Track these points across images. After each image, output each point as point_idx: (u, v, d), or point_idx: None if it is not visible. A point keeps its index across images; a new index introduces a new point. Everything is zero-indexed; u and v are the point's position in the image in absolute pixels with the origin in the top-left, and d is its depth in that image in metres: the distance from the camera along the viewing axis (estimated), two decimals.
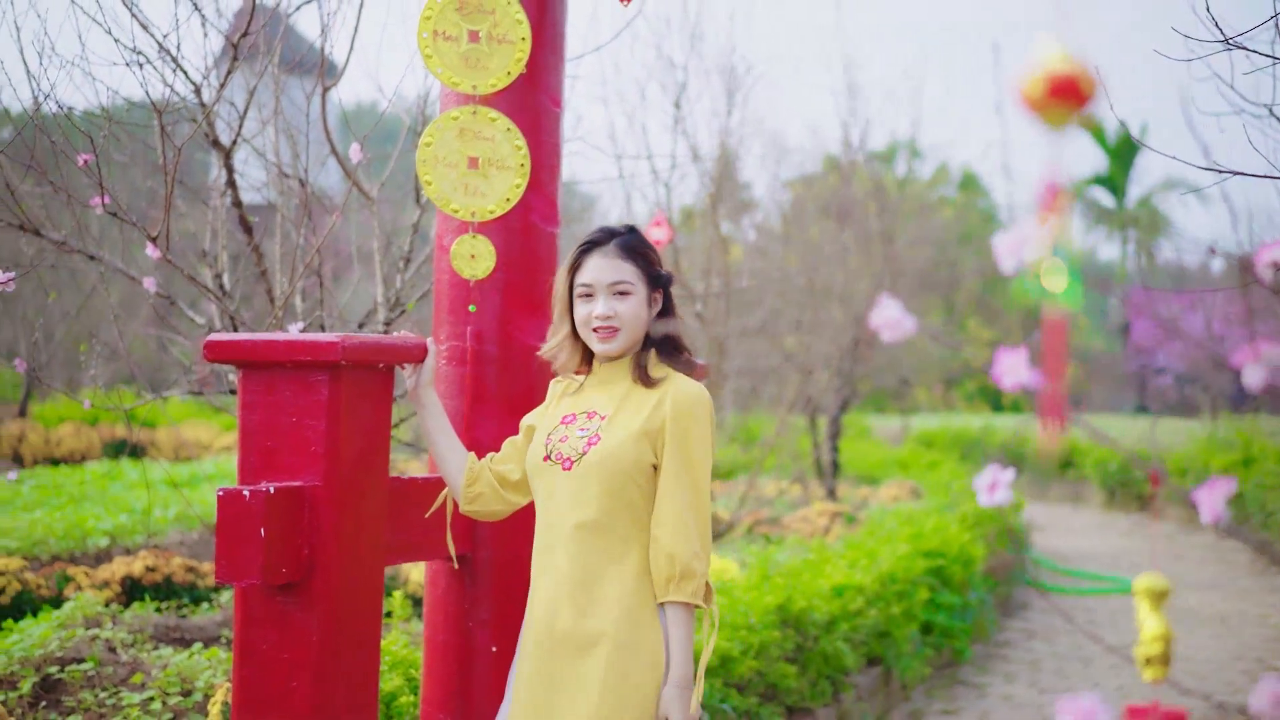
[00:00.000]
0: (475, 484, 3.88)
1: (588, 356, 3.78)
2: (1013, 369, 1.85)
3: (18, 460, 16.55)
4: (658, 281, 3.70)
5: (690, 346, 3.86)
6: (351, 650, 3.86)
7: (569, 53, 4.91)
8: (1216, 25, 4.30)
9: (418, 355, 3.96)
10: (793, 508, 13.26)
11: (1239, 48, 4.30)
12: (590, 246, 3.69)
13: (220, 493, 3.65)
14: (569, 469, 3.58)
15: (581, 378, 3.79)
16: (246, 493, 3.62)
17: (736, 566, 8.17)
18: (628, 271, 3.64)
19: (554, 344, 3.75)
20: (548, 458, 3.64)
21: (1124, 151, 40.68)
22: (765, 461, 14.19)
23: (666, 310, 3.73)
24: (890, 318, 1.93)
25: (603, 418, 3.62)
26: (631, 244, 3.68)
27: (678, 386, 3.59)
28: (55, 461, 16.65)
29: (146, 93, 5.63)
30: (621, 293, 3.63)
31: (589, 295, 3.64)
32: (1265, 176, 4.31)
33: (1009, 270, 1.51)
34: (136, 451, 16.43)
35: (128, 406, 6.49)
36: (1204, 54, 4.39)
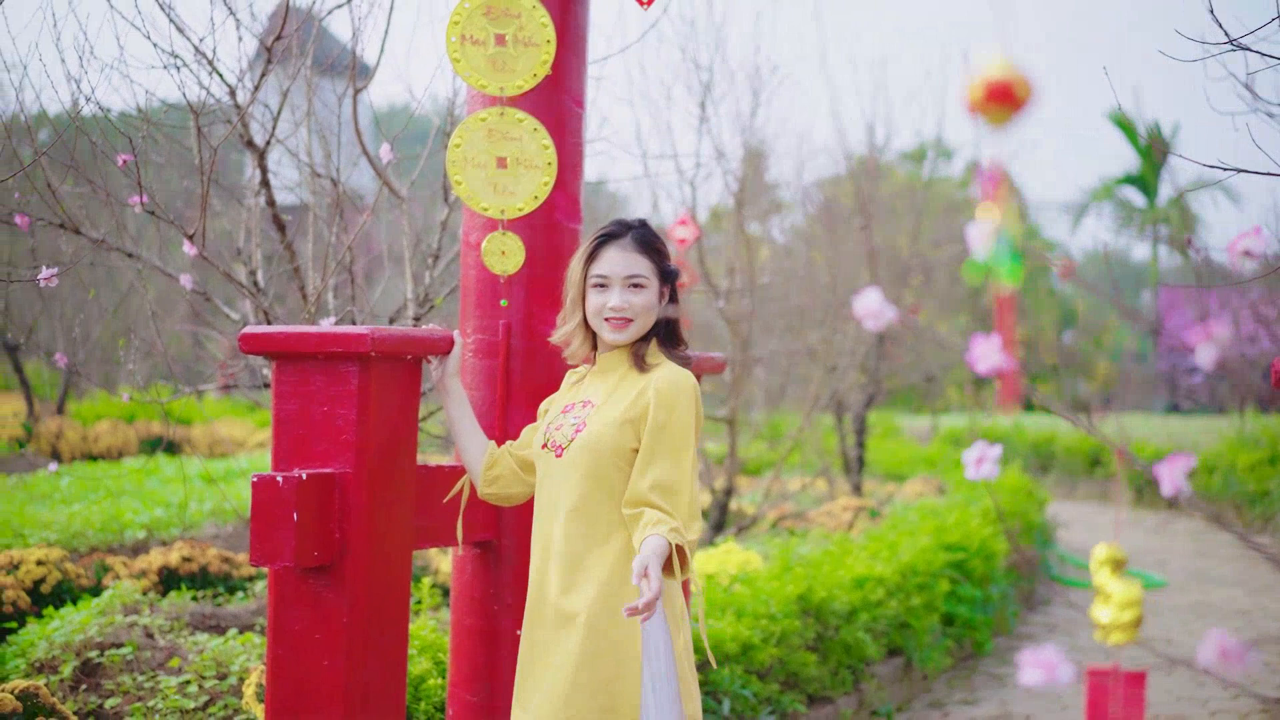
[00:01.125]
0: (494, 467, 4.03)
1: (594, 345, 3.92)
2: (986, 354, 2.00)
3: (56, 456, 16.80)
4: (667, 276, 3.83)
5: (689, 339, 4.00)
6: (381, 630, 4.02)
7: (593, 54, 5.07)
8: (1220, 26, 4.42)
9: (444, 347, 4.12)
10: (818, 503, 13.39)
11: (1244, 49, 4.41)
12: (607, 239, 3.80)
13: (255, 478, 3.81)
14: (560, 456, 3.73)
15: (588, 367, 3.94)
16: (280, 479, 3.78)
17: (760, 558, 8.30)
18: (643, 265, 3.76)
19: (565, 331, 3.89)
20: (545, 445, 3.80)
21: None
22: (790, 457, 14.31)
23: (671, 304, 3.85)
24: (871, 307, 2.06)
25: (593, 405, 3.76)
26: (646, 238, 3.81)
27: (661, 374, 3.70)
28: (93, 458, 16.90)
29: (184, 95, 5.80)
30: (636, 285, 3.75)
31: (604, 286, 3.76)
32: (1268, 174, 4.43)
33: (980, 257, 1.65)
34: (172, 448, 16.67)
35: (165, 400, 6.68)
36: (1210, 55, 4.50)
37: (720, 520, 10.43)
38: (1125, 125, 40.56)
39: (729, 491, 10.45)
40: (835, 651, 7.32)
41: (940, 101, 15.16)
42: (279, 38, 5.88)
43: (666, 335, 3.86)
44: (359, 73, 6.16)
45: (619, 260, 3.77)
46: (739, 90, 10.60)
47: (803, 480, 13.76)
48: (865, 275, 13.35)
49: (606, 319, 3.77)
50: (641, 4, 4.76)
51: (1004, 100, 1.38)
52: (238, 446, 18.07)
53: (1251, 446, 17.39)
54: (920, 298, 16.19)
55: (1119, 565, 2.11)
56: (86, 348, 17.41)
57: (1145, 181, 42.29)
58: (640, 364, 3.77)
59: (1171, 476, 2.05)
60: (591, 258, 3.81)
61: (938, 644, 8.66)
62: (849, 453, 14.55)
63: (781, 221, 15.64)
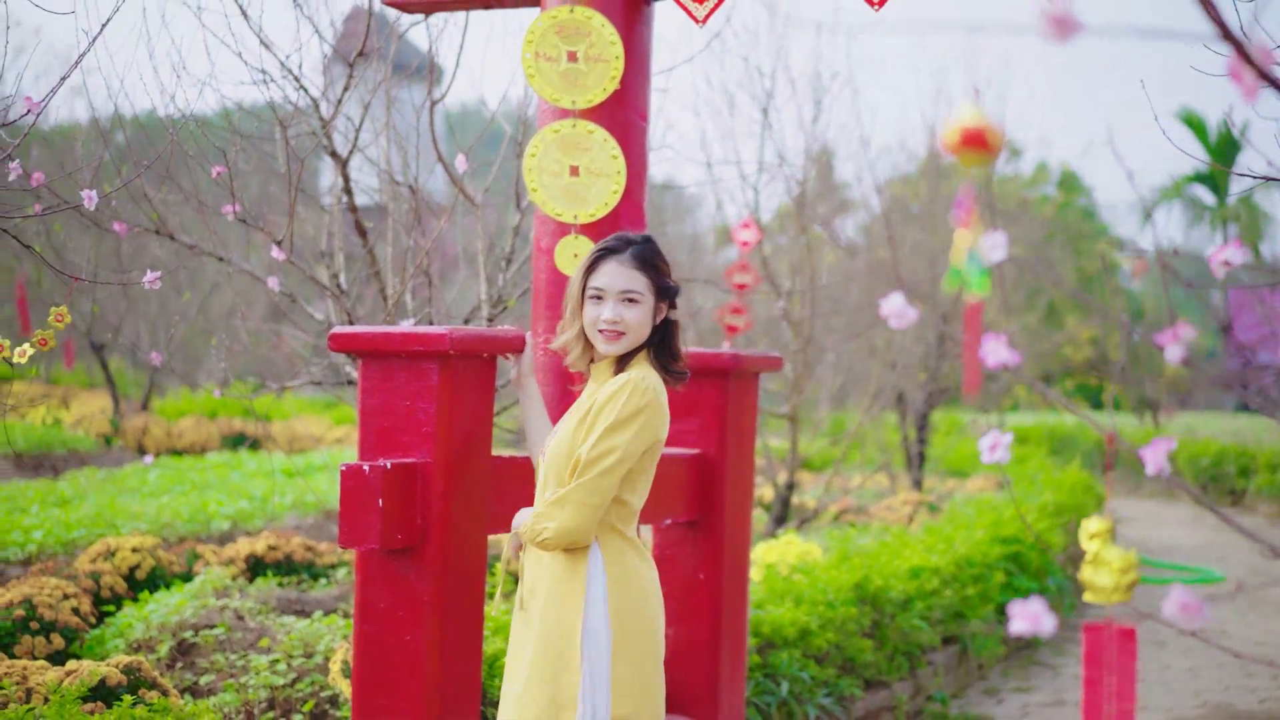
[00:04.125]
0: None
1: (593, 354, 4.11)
2: (995, 350, 2.29)
3: (141, 451, 17.37)
4: (664, 293, 3.99)
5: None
6: (459, 608, 4.34)
7: (658, 65, 5.38)
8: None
9: (517, 346, 4.43)
10: (879, 498, 13.66)
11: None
12: (606, 253, 3.96)
13: (344, 467, 4.14)
14: (544, 458, 4.01)
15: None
16: (366, 468, 4.11)
17: (819, 550, 8.58)
18: (639, 281, 3.92)
19: (564, 340, 4.05)
20: (541, 450, 4.10)
21: (1225, 149, 40.49)
22: (852, 454, 14.57)
23: (669, 320, 4.03)
24: (896, 308, 2.36)
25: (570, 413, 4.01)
26: (645, 255, 3.96)
27: (619, 376, 3.91)
28: (177, 452, 17.42)
29: (272, 109, 6.17)
30: (631, 300, 3.91)
31: (599, 298, 3.93)
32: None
33: (959, 269, 1.96)
34: (254, 444, 17.17)
35: (252, 395, 7.06)
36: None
37: (782, 513, 10.71)
38: (1194, 123, 40.41)
39: (791, 486, 10.73)
40: (891, 638, 7.60)
41: (1000, 108, 15.30)
42: (361, 54, 6.23)
43: (660, 348, 4.03)
44: (433, 79, 6.51)
45: (616, 274, 3.92)
46: (801, 97, 10.89)
47: (864, 476, 14.03)
48: (928, 274, 13.58)
49: (600, 330, 3.93)
50: (697, 22, 5.05)
51: (977, 145, 1.67)
52: (315, 442, 18.55)
53: None
54: (984, 297, 16.36)
55: (1109, 534, 2.41)
56: (170, 346, 17.95)
57: (1215, 180, 42.11)
58: (619, 373, 3.97)
59: (1155, 458, 2.33)
60: (590, 270, 3.97)
61: (992, 633, 8.91)
62: (910, 449, 14.80)
63: (844, 224, 15.88)
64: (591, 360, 4.07)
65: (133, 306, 18.56)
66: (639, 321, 3.93)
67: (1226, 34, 1.58)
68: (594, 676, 3.85)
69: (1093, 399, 38.53)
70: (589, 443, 3.82)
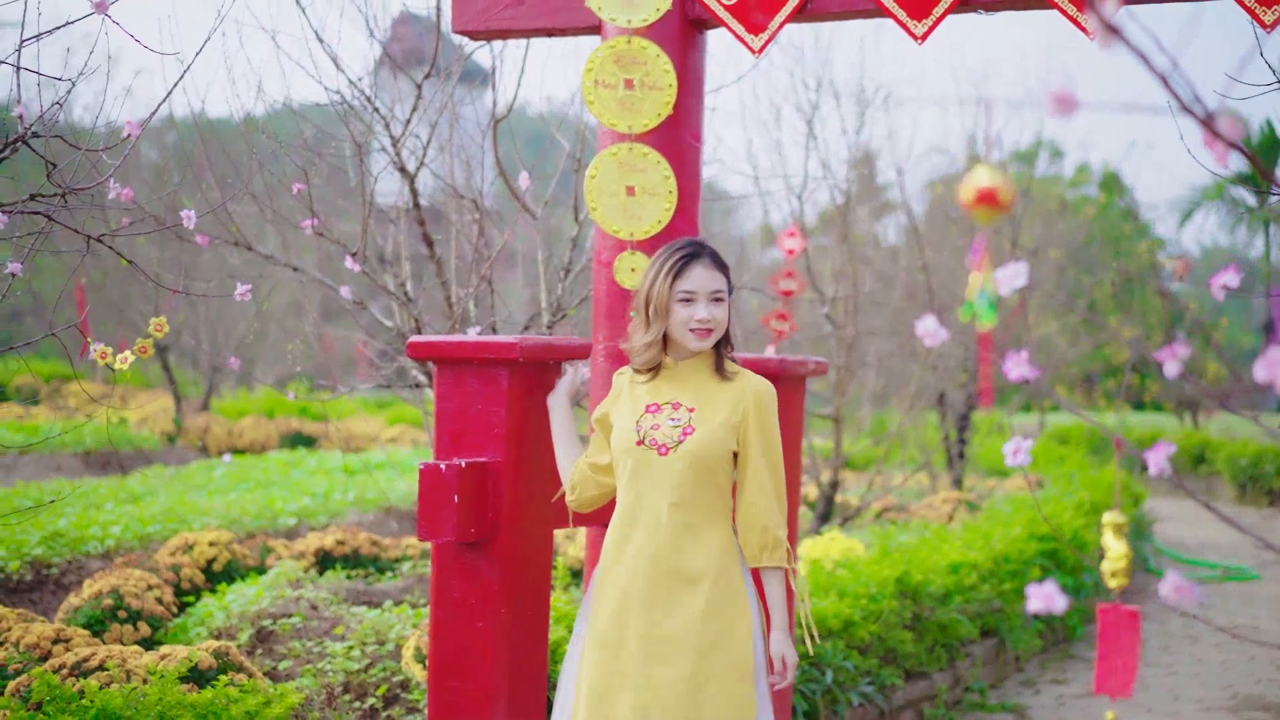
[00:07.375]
0: (573, 478, 4.48)
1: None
2: (1016, 365, 2.63)
3: (204, 450, 17.91)
4: (730, 291, 4.30)
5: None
6: (527, 597, 4.70)
7: (709, 83, 5.71)
8: (1271, 69, 4.98)
9: (581, 354, 4.79)
10: (919, 496, 13.97)
11: None
12: (690, 258, 4.22)
13: (421, 466, 4.50)
14: (665, 454, 4.15)
15: (646, 375, 4.34)
16: (443, 466, 4.46)
17: (862, 546, 8.91)
18: (721, 281, 4.23)
19: (646, 340, 4.25)
20: (641, 442, 4.18)
21: (1268, 150, 40.43)
22: (894, 453, 14.87)
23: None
24: (929, 329, 2.69)
25: (690, 410, 4.20)
26: (720, 258, 4.30)
27: (753, 383, 4.21)
28: (238, 451, 17.92)
29: (348, 128, 6.56)
30: (718, 299, 4.21)
31: (690, 300, 4.18)
32: None
33: (978, 304, 2.30)
34: (311, 442, 17.63)
35: (326, 397, 7.45)
36: (1268, 90, 5.06)
37: (826, 511, 11.04)
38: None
39: (834, 485, 11.06)
40: (931, 631, 7.93)
41: (1039, 115, 15.59)
42: (429, 75, 6.61)
43: (724, 342, 4.31)
44: (496, 98, 6.88)
45: (705, 277, 4.20)
46: (845, 109, 11.21)
47: (905, 475, 14.34)
48: (960, 280, 13.86)
49: (692, 329, 4.19)
50: (754, 53, 5.39)
51: (990, 202, 2.00)
52: (371, 441, 19.00)
53: None
54: (1025, 297, 16.62)
55: (1120, 528, 2.73)
56: (232, 348, 18.44)
57: (1257, 180, 41.96)
58: (720, 371, 4.26)
59: (1156, 460, 2.66)
60: (679, 274, 4.21)
61: (1029, 627, 9.21)
62: (951, 448, 15.09)
63: (884, 229, 16.19)
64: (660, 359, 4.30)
65: (192, 309, 19.04)
66: (724, 318, 4.22)
67: (1187, 110, 1.89)
68: (763, 687, 4.17)
69: (1134, 401, 38.56)
70: (771, 460, 4.18)
